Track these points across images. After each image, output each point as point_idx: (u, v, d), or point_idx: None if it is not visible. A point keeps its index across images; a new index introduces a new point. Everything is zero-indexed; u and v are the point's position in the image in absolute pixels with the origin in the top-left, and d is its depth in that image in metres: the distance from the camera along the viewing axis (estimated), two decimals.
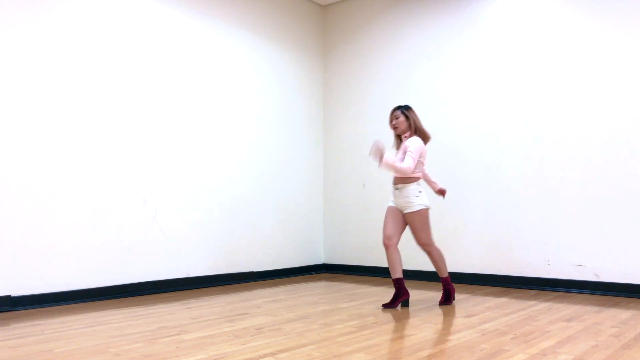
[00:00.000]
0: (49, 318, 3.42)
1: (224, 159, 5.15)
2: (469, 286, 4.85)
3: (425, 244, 3.78)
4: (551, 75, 4.69)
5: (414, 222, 3.75)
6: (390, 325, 3.19)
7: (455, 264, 5.13)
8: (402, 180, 3.76)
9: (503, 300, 4.09)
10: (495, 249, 4.92)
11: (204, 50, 5.01)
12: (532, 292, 4.47)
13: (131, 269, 4.35)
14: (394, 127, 3.85)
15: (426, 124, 5.32)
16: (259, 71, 5.54)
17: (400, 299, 3.72)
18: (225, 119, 5.18)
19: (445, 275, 3.85)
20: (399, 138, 3.91)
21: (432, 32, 5.44)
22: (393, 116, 3.86)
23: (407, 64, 5.61)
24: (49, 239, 3.88)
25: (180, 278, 4.69)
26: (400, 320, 3.32)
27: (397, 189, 3.78)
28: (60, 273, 3.94)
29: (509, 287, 4.74)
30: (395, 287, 3.73)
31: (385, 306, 3.72)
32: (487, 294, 4.38)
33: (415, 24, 5.56)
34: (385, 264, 5.48)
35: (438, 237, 5.23)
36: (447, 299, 3.87)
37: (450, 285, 3.89)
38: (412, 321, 3.28)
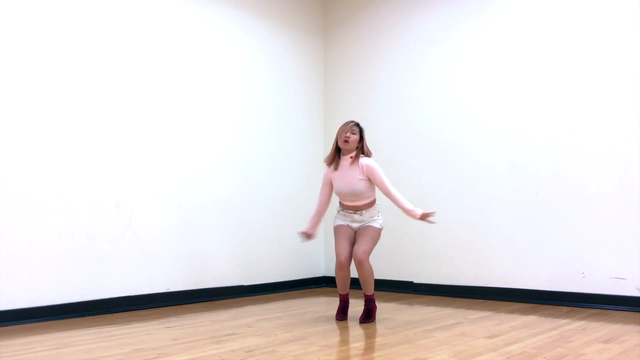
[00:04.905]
0: (7, 339, 3.38)
1: (209, 156, 5.12)
2: (491, 302, 4.83)
3: (366, 252, 3.91)
4: (588, 58, 4.65)
5: (369, 232, 3.95)
6: (402, 348, 3.17)
7: (475, 277, 5.13)
8: (367, 206, 3.99)
9: (531, 318, 4.09)
10: (522, 259, 4.90)
11: (185, 31, 4.98)
12: (565, 309, 4.47)
13: (103, 282, 4.33)
14: (346, 142, 3.93)
15: (441, 114, 5.41)
16: (249, 54, 5.51)
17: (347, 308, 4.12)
18: (211, 110, 5.16)
19: (372, 292, 4.03)
20: (337, 153, 4.02)
21: (448, 9, 5.41)
22: (349, 130, 3.95)
23: (419, 46, 5.58)
24: (7, 249, 3.84)
25: (159, 293, 4.67)
26: (413, 342, 3.32)
27: (359, 214, 3.99)
28: (21, 287, 3.91)
29: (537, 303, 4.73)
30: (344, 300, 4.11)
31: (340, 318, 4.05)
32: (512, 311, 4.38)
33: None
34: (394, 277, 5.55)
35: (450, 245, 5.28)
36: (368, 316, 3.99)
37: (375, 305, 4.08)
38: (427, 343, 3.28)
